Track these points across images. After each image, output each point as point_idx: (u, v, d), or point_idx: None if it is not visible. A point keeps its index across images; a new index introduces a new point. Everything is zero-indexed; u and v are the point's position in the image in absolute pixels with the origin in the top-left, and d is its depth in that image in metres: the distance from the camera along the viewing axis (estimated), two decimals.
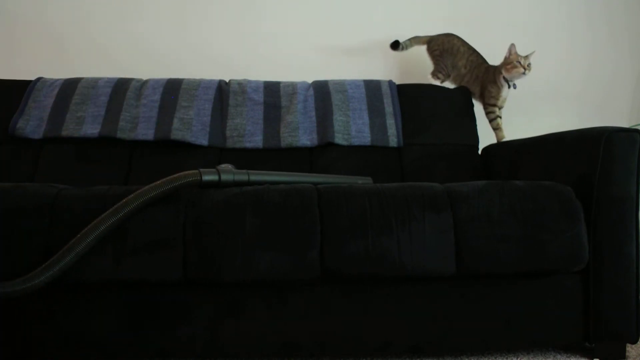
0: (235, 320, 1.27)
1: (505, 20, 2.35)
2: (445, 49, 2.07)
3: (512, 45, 1.94)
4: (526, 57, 1.93)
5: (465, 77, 2.05)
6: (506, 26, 2.34)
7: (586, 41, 2.38)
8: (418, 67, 2.24)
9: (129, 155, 1.85)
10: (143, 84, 1.95)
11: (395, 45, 2.13)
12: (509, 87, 1.98)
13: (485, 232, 1.26)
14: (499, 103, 2.00)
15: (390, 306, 1.29)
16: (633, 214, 1.32)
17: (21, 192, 1.25)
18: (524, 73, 1.92)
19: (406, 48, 2.15)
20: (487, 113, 2.03)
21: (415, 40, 2.15)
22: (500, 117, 2.02)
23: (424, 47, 2.15)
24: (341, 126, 1.90)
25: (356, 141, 1.90)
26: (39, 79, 1.96)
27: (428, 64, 2.12)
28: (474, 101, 2.06)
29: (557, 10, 2.38)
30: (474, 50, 2.06)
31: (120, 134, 1.84)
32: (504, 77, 1.96)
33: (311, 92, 1.98)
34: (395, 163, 1.90)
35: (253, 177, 1.37)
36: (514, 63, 1.92)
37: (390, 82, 2.03)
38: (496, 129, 2.02)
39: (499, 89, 1.97)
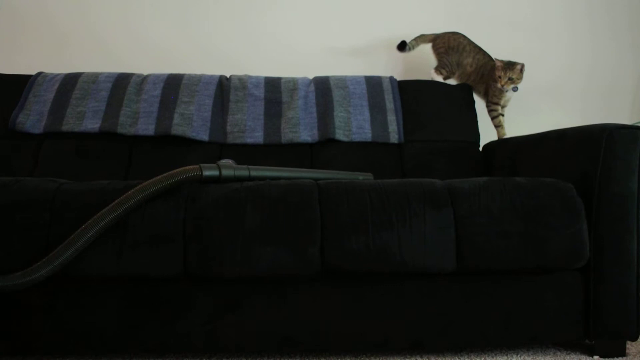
0: (235, 315, 1.27)
1: (507, 18, 2.34)
2: (450, 46, 2.06)
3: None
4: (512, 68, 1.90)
5: (472, 76, 2.04)
6: (507, 24, 2.33)
7: (588, 38, 2.38)
8: (421, 65, 2.24)
9: (129, 150, 1.85)
10: (144, 79, 1.95)
11: (402, 46, 2.10)
12: (513, 90, 1.96)
13: (485, 228, 1.25)
14: (502, 102, 1.99)
15: (390, 302, 1.29)
16: (634, 211, 1.32)
17: (21, 187, 1.25)
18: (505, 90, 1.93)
19: (413, 48, 2.12)
20: (490, 111, 2.02)
21: (421, 39, 2.13)
22: (503, 115, 2.02)
23: (429, 46, 2.13)
24: (342, 122, 1.90)
25: (357, 137, 1.90)
26: (39, 73, 1.96)
27: (432, 62, 2.11)
28: (478, 98, 2.06)
29: (558, 8, 2.37)
30: (481, 49, 2.04)
31: (120, 129, 1.84)
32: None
33: (312, 87, 1.97)
34: (396, 159, 1.89)
35: (254, 173, 1.37)
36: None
37: (391, 78, 2.03)
38: (498, 126, 2.01)
39: (501, 90, 1.96)
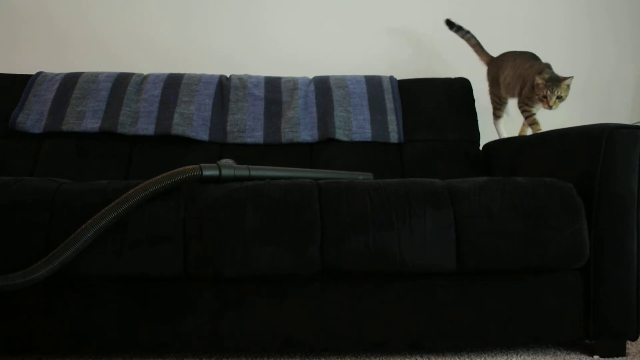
0: (235, 315, 1.27)
1: (507, 18, 2.34)
2: (493, 76, 1.98)
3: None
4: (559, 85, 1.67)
5: (511, 84, 1.90)
6: (507, 22, 2.33)
7: (588, 38, 2.38)
8: (421, 64, 2.24)
9: (129, 150, 1.85)
10: (144, 78, 1.95)
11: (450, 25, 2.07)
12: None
13: (485, 228, 1.25)
14: (536, 109, 1.84)
15: (390, 302, 1.29)
16: (634, 211, 1.32)
17: (21, 187, 1.25)
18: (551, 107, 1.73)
19: (467, 39, 2.09)
20: (522, 111, 1.87)
21: (480, 52, 2.07)
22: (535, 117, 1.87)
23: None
24: (342, 122, 1.90)
25: (357, 137, 1.90)
26: (39, 73, 1.96)
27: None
28: (478, 96, 2.03)
29: (558, 7, 2.37)
30: (523, 53, 1.91)
31: (120, 129, 1.84)
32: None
33: (312, 87, 1.97)
34: (396, 159, 1.89)
35: (254, 173, 1.37)
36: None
37: (391, 78, 2.03)
38: (532, 124, 1.85)
39: (542, 102, 1.76)
